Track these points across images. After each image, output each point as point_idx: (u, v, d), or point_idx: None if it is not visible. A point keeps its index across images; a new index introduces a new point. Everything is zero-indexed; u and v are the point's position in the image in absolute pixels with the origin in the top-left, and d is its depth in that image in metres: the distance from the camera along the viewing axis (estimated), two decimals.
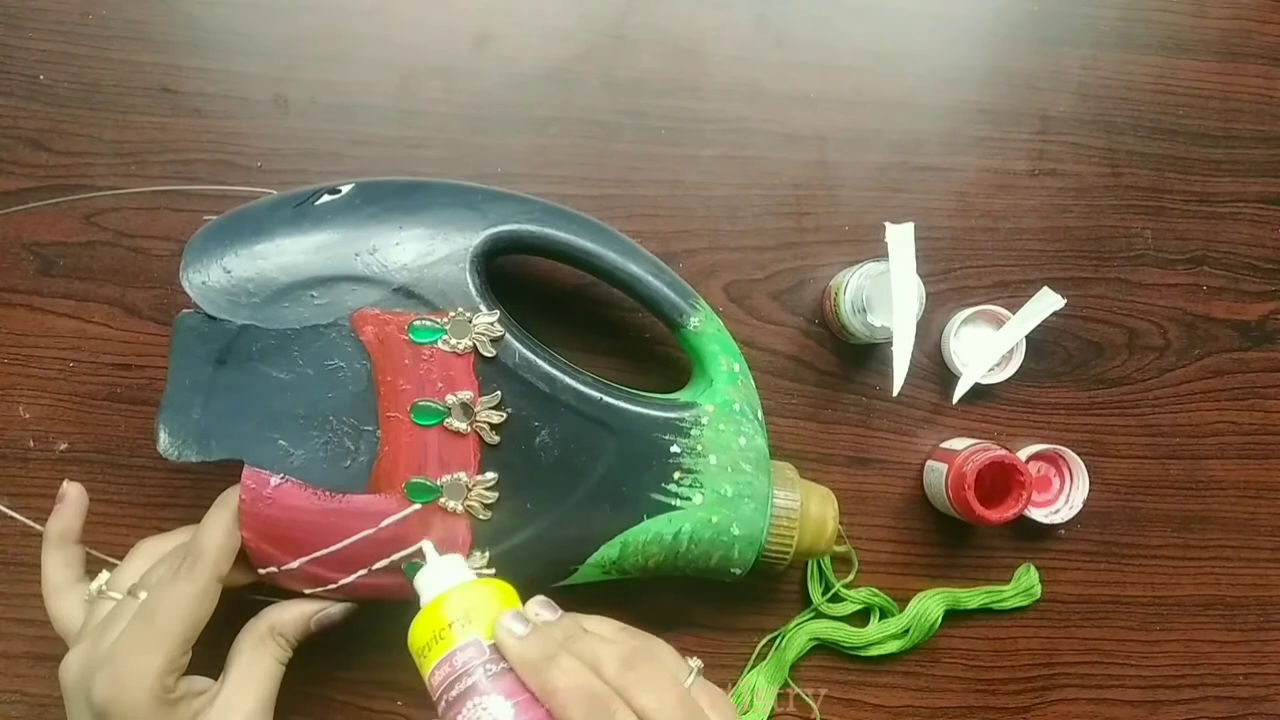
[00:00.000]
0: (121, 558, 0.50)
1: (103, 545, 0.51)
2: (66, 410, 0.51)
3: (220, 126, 0.52)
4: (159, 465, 0.51)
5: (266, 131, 0.52)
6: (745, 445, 0.46)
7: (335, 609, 0.44)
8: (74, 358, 0.51)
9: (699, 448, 0.45)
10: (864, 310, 0.50)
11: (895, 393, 0.49)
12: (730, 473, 0.46)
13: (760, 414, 0.48)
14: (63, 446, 0.51)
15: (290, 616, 0.43)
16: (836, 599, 0.54)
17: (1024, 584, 0.55)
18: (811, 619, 0.54)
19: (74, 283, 0.52)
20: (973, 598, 0.55)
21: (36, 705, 0.51)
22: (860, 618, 0.55)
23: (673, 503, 0.45)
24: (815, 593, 0.54)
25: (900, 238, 0.49)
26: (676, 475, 0.45)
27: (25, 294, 0.51)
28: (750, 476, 0.46)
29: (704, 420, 0.46)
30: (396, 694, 0.52)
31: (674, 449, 0.45)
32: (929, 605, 0.54)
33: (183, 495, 0.51)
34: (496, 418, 0.43)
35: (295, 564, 0.43)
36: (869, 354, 0.55)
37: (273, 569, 0.43)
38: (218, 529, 0.42)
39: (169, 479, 0.51)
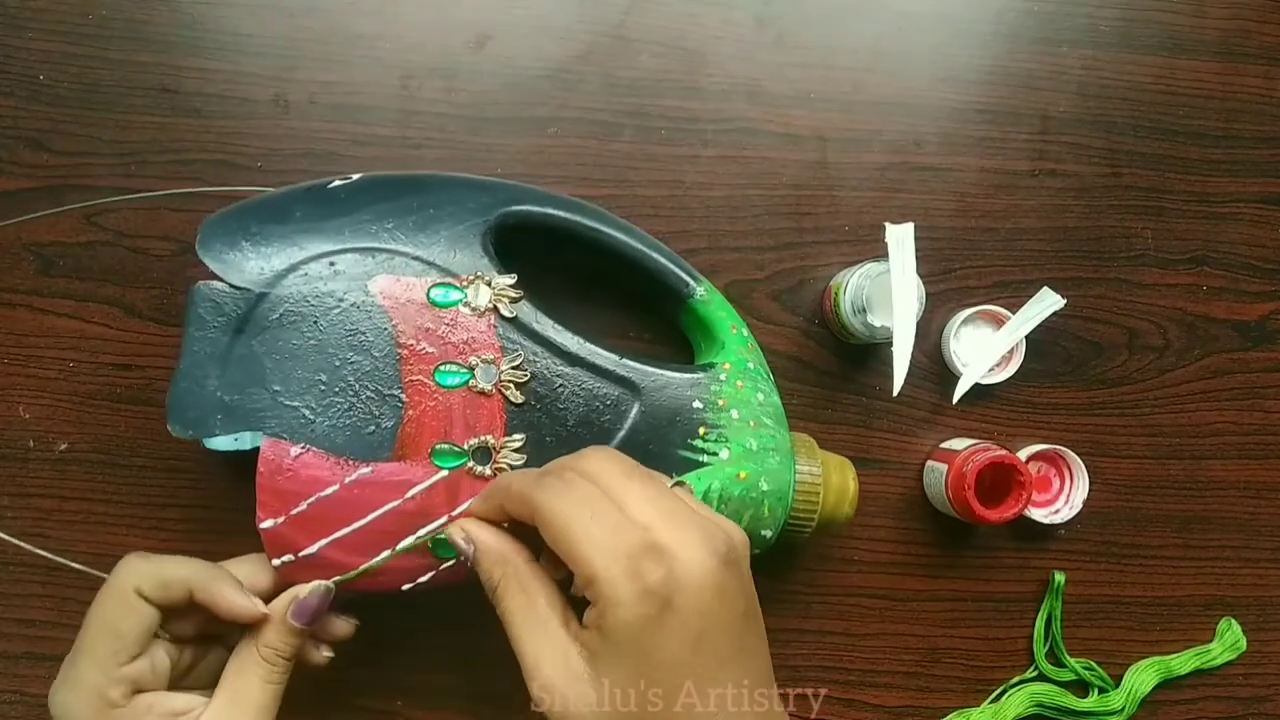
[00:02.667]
0: (120, 559, 0.50)
1: (102, 545, 0.51)
2: (66, 410, 0.51)
3: (220, 126, 0.52)
4: (159, 465, 0.51)
5: (266, 131, 0.52)
6: (764, 401, 0.47)
7: (307, 591, 0.41)
8: (74, 358, 0.51)
9: (720, 402, 0.46)
10: (864, 310, 0.49)
11: (895, 393, 0.49)
12: (753, 427, 0.46)
13: (771, 376, 0.48)
14: (63, 446, 0.51)
15: (269, 626, 0.41)
16: (1057, 662, 0.56)
17: (1229, 640, 0.56)
18: (1035, 679, 0.55)
19: (74, 283, 0.52)
20: (1184, 663, 0.56)
21: (36, 705, 0.51)
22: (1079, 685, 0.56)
23: (700, 459, 0.45)
24: (1039, 653, 0.55)
25: (900, 238, 0.49)
26: (702, 430, 0.45)
27: (25, 294, 0.51)
28: (772, 430, 0.47)
29: (722, 376, 0.46)
30: (396, 694, 0.52)
31: (696, 404, 0.46)
32: (1142, 679, 0.55)
33: (183, 495, 0.51)
34: (520, 377, 0.43)
35: (314, 548, 0.41)
36: (869, 354, 0.55)
37: (289, 557, 0.41)
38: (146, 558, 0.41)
39: (169, 479, 0.51)
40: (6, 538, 0.48)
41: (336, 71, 0.53)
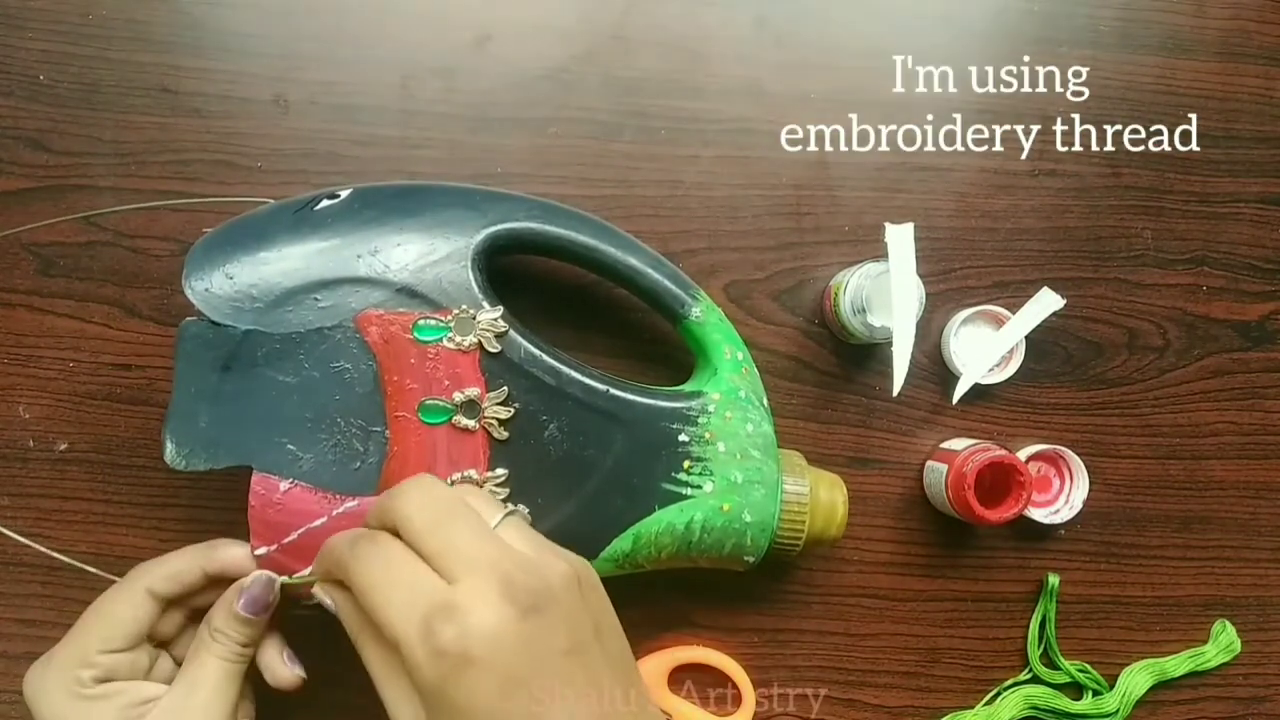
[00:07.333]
0: (120, 559, 0.50)
1: (103, 546, 0.51)
2: (66, 410, 0.51)
3: (220, 127, 0.52)
4: (159, 465, 0.51)
5: (266, 132, 0.52)
6: (753, 432, 0.47)
7: (249, 581, 0.42)
8: (74, 358, 0.51)
9: (707, 435, 0.46)
10: (864, 310, 0.49)
11: (895, 393, 0.49)
12: (739, 459, 0.46)
13: (765, 401, 0.48)
14: (63, 446, 0.51)
15: (216, 610, 0.42)
16: (1051, 665, 0.55)
17: (1223, 641, 0.56)
18: (1029, 681, 0.55)
19: (74, 283, 0.52)
20: (1178, 665, 0.56)
21: None
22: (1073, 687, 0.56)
23: (683, 491, 0.45)
24: (1034, 655, 0.55)
25: (900, 238, 0.49)
26: (686, 464, 0.45)
27: (25, 294, 0.51)
28: (759, 463, 0.46)
29: (710, 408, 0.46)
30: None
31: (682, 437, 0.45)
32: (1136, 681, 0.55)
33: (183, 495, 0.51)
34: (504, 413, 0.43)
35: (307, 571, 0.42)
36: (869, 354, 0.55)
37: (285, 578, 0.43)
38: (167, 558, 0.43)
39: (169, 479, 0.51)
40: (12, 534, 0.48)
41: (336, 71, 0.53)
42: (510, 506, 0.38)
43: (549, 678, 0.34)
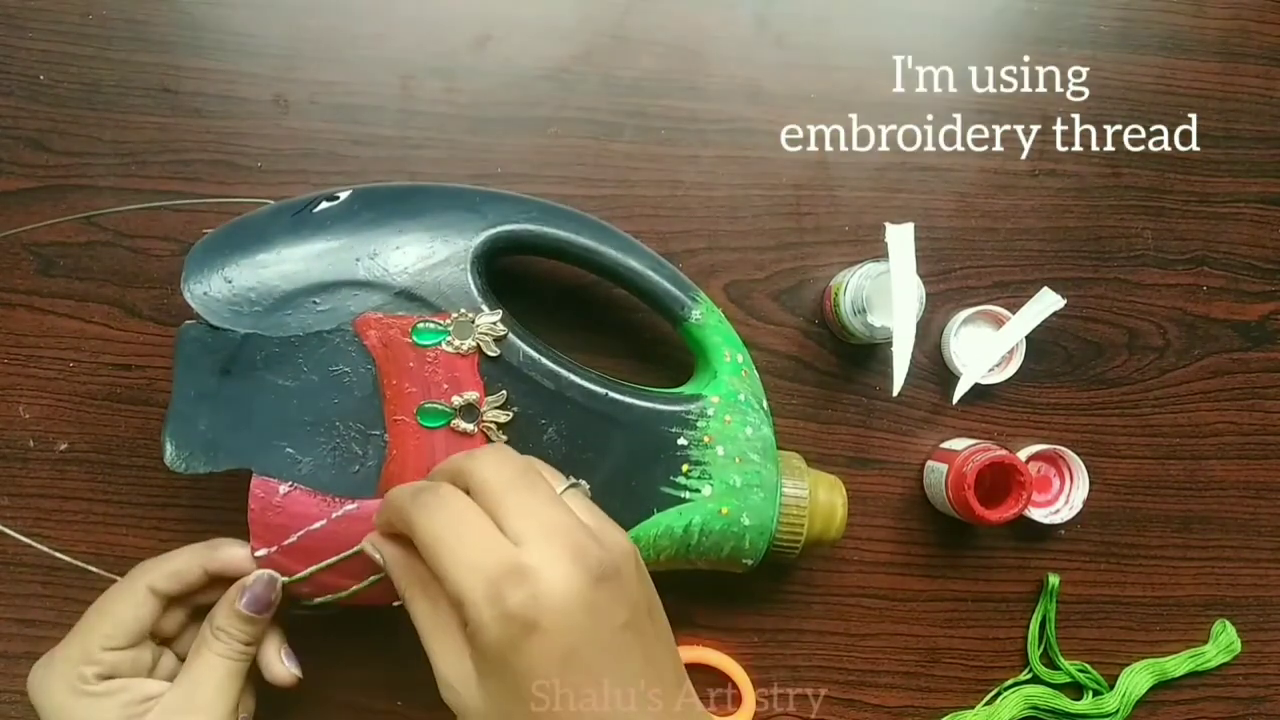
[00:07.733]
0: (120, 559, 0.50)
1: (103, 546, 0.51)
2: (66, 410, 0.51)
3: (220, 126, 0.52)
4: (159, 465, 0.51)
5: (266, 131, 0.52)
6: (752, 435, 0.47)
7: (251, 580, 0.42)
8: (74, 358, 0.51)
9: (706, 439, 0.46)
10: (864, 310, 0.49)
11: (895, 393, 0.49)
12: (738, 463, 0.46)
13: (765, 404, 0.48)
14: (63, 446, 0.51)
15: (218, 608, 0.43)
16: (1051, 665, 0.55)
17: (1223, 642, 0.56)
18: (1029, 681, 0.55)
19: (74, 283, 0.52)
20: (1179, 665, 0.56)
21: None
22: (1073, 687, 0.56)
23: (682, 495, 0.45)
24: (1034, 655, 0.55)
25: (900, 238, 0.49)
26: (685, 468, 0.45)
27: (25, 294, 0.51)
28: (758, 466, 0.46)
29: (710, 412, 0.46)
30: (396, 694, 0.52)
31: (681, 441, 0.45)
32: (1136, 681, 0.55)
33: (183, 495, 0.51)
34: (503, 417, 0.43)
35: (306, 573, 0.42)
36: (869, 354, 0.55)
37: (285, 579, 0.43)
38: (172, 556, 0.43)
39: (169, 479, 0.51)
40: (12, 534, 0.48)
41: (336, 71, 0.53)
42: (572, 479, 0.38)
43: (607, 650, 0.34)
